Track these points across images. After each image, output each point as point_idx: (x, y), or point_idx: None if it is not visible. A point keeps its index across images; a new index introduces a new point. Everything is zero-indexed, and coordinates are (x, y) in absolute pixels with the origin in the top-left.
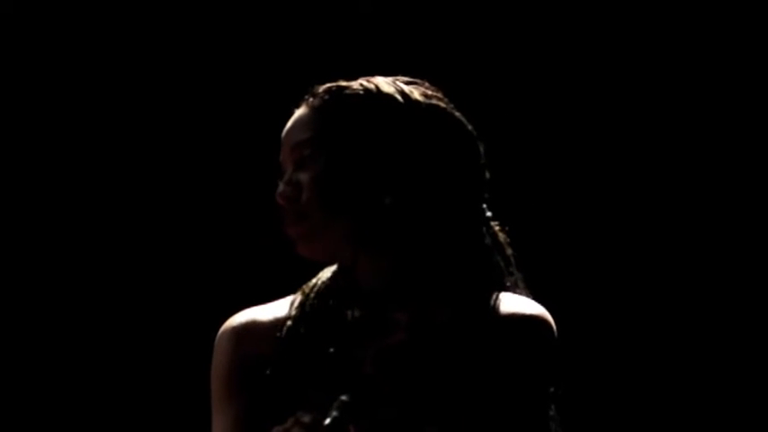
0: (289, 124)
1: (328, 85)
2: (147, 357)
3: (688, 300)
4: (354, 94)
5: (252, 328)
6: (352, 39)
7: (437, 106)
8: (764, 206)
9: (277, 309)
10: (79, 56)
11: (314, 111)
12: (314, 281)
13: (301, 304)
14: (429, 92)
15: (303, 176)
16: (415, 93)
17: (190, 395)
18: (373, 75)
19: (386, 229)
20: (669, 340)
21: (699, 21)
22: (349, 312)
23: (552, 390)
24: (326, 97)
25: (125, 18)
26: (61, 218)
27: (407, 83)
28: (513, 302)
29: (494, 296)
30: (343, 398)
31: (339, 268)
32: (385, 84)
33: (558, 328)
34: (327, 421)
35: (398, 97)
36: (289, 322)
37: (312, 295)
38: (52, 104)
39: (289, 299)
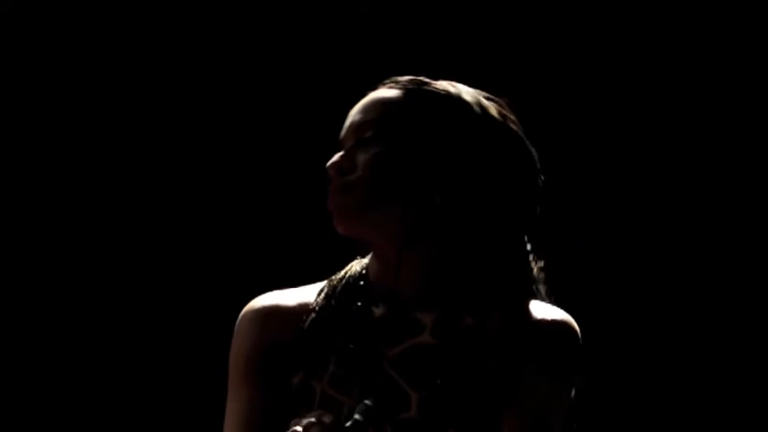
0: (361, 102)
1: (412, 77)
2: (145, 356)
3: (689, 301)
4: (435, 93)
5: (276, 312)
6: (352, 39)
7: (508, 127)
8: (765, 206)
9: (303, 295)
10: (79, 56)
11: (391, 97)
12: (342, 272)
13: (328, 295)
14: (505, 111)
15: (362, 154)
16: (492, 109)
17: (189, 394)
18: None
19: (428, 228)
20: (671, 341)
21: (699, 21)
22: (375, 309)
23: (574, 391)
24: (408, 87)
25: (125, 18)
26: (61, 218)
27: (488, 98)
28: (540, 309)
29: (522, 304)
30: (367, 402)
31: (370, 262)
32: (466, 92)
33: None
34: (348, 424)
35: (476, 108)
36: (313, 314)
37: (339, 288)
38: (52, 104)
39: (316, 286)
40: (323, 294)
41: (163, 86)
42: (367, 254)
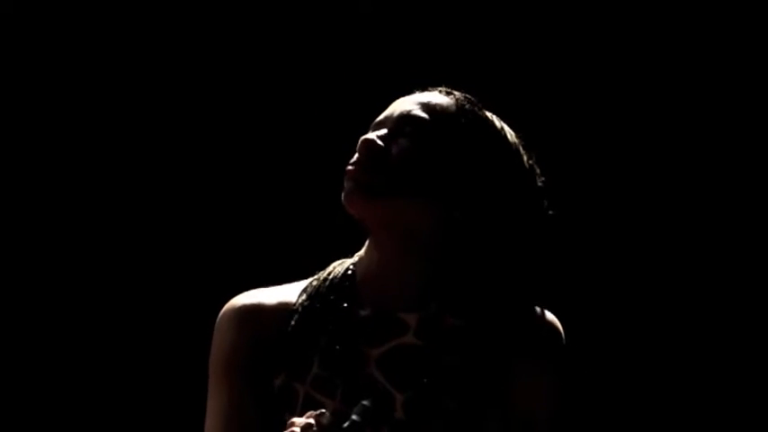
0: (414, 97)
1: (467, 95)
2: (144, 355)
3: (688, 300)
4: (484, 120)
5: (256, 311)
6: (352, 39)
7: (534, 177)
8: (765, 206)
9: (284, 294)
10: (79, 56)
11: (444, 104)
12: (326, 273)
13: (311, 296)
14: (533, 163)
15: (401, 143)
16: (525, 156)
17: (186, 393)
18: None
19: (436, 233)
20: (669, 341)
21: (699, 21)
22: (361, 311)
23: (566, 395)
24: (462, 103)
25: (125, 18)
26: (61, 218)
27: (523, 146)
28: (526, 311)
29: (509, 307)
30: (365, 403)
31: (359, 260)
32: (509, 132)
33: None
34: (346, 425)
35: (513, 148)
36: (296, 315)
37: (324, 288)
38: (52, 104)
39: (296, 285)
40: (306, 294)
41: (163, 86)
42: (350, 255)
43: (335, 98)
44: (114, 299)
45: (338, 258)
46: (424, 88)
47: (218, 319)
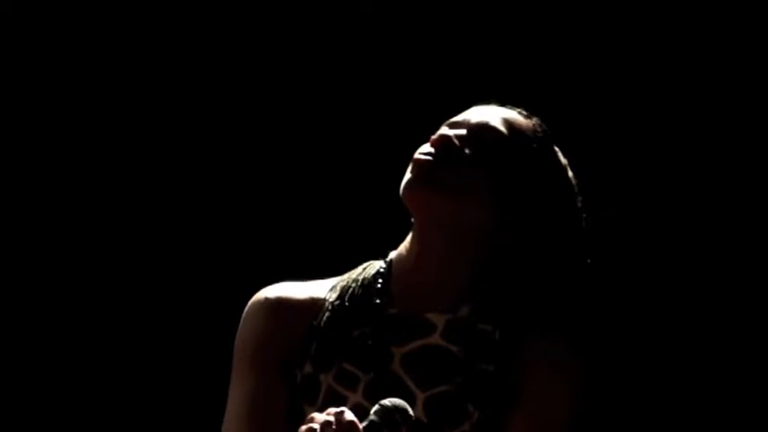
0: (492, 108)
1: (543, 124)
2: (145, 356)
3: (688, 300)
4: (554, 151)
5: (286, 304)
6: (352, 39)
7: (582, 211)
8: (765, 206)
9: (313, 290)
10: (79, 56)
11: (521, 123)
12: (359, 270)
13: (343, 292)
14: (581, 204)
15: (474, 147)
16: (578, 196)
17: (188, 394)
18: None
19: (485, 242)
20: (670, 341)
21: (699, 21)
22: (390, 309)
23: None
24: (536, 127)
25: (125, 18)
26: (61, 218)
27: (578, 187)
28: (549, 321)
29: (537, 317)
30: (385, 403)
31: (397, 257)
32: (571, 172)
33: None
34: (364, 424)
35: (572, 185)
36: (327, 310)
37: (357, 286)
38: (52, 104)
39: (326, 282)
40: (338, 291)
41: (163, 86)
42: (381, 257)
43: (336, 98)
44: (130, 296)
45: (364, 259)
46: (502, 104)
47: (246, 308)
